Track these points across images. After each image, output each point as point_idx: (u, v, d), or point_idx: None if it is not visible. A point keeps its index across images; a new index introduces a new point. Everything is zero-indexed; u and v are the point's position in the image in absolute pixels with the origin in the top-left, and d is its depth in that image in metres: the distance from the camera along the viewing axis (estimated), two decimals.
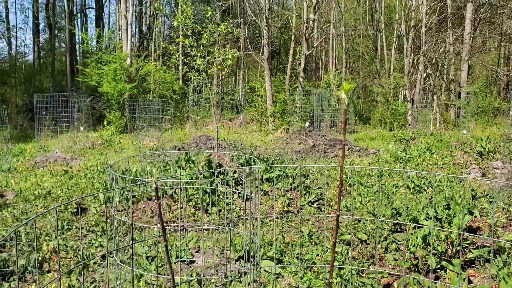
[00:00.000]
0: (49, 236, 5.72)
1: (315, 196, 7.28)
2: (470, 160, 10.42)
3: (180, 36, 11.45)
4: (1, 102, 22.25)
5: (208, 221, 6.40)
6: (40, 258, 5.04)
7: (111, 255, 5.24)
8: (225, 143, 14.45)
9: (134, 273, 3.87)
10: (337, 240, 5.52)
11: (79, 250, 5.36)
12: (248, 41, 27.59)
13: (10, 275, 4.72)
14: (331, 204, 7.32)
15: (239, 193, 7.27)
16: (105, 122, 20.63)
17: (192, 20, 10.66)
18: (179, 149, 13.38)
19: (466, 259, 4.69)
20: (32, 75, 31.21)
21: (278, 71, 32.50)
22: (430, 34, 25.92)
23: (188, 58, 11.49)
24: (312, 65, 32.78)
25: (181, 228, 4.99)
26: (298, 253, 5.04)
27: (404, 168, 9.86)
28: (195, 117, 22.18)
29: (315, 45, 24.93)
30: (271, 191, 7.81)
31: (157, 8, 12.75)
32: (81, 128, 16.95)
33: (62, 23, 36.94)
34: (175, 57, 16.41)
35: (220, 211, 6.67)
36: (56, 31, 34.95)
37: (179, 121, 23.03)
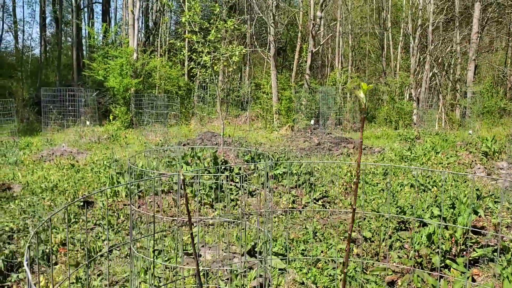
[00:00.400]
0: (56, 229, 5.78)
1: (319, 194, 7.31)
2: (475, 160, 10.41)
3: (187, 32, 11.50)
4: (8, 96, 22.41)
5: (213, 216, 6.45)
6: (47, 251, 5.10)
7: (118, 248, 5.30)
8: (230, 140, 14.49)
9: (152, 264, 3.94)
10: (341, 237, 5.56)
11: (86, 243, 5.42)
12: (254, 37, 27.62)
13: (18, 266, 4.79)
14: (335, 201, 7.35)
15: (245, 188, 7.31)
16: (111, 117, 20.72)
17: (199, 16, 10.71)
18: (184, 145, 13.44)
19: (470, 258, 4.71)
20: (38, 69, 31.36)
21: (284, 68, 32.50)
22: (437, 33, 25.83)
23: (194, 54, 11.54)
24: (318, 62, 32.75)
25: (199, 220, 5.05)
26: (302, 250, 5.08)
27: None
28: (201, 113, 22.23)
29: (321, 43, 24.91)
30: (276, 188, 7.85)
31: (165, 3, 12.77)
32: (87, 123, 17.05)
33: (68, 18, 37.08)
34: (182, 53, 16.45)
35: (225, 206, 6.71)
36: (62, 25, 35.07)
37: (184, 117, 23.08)
